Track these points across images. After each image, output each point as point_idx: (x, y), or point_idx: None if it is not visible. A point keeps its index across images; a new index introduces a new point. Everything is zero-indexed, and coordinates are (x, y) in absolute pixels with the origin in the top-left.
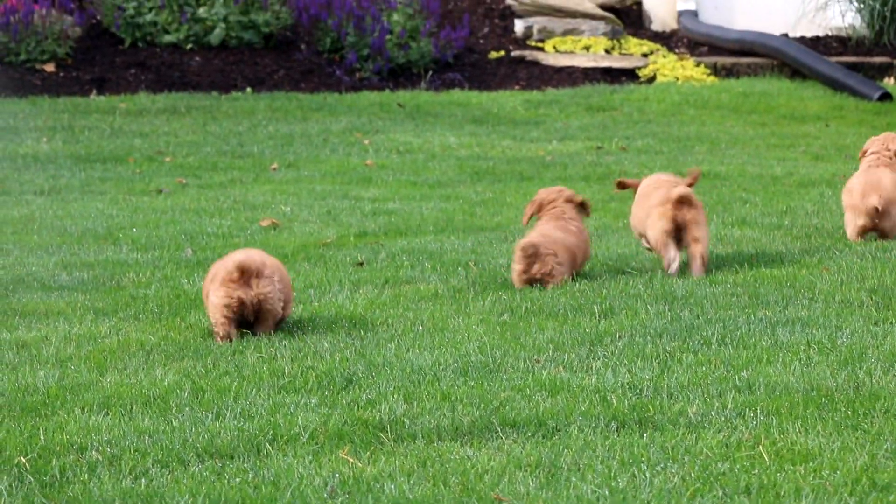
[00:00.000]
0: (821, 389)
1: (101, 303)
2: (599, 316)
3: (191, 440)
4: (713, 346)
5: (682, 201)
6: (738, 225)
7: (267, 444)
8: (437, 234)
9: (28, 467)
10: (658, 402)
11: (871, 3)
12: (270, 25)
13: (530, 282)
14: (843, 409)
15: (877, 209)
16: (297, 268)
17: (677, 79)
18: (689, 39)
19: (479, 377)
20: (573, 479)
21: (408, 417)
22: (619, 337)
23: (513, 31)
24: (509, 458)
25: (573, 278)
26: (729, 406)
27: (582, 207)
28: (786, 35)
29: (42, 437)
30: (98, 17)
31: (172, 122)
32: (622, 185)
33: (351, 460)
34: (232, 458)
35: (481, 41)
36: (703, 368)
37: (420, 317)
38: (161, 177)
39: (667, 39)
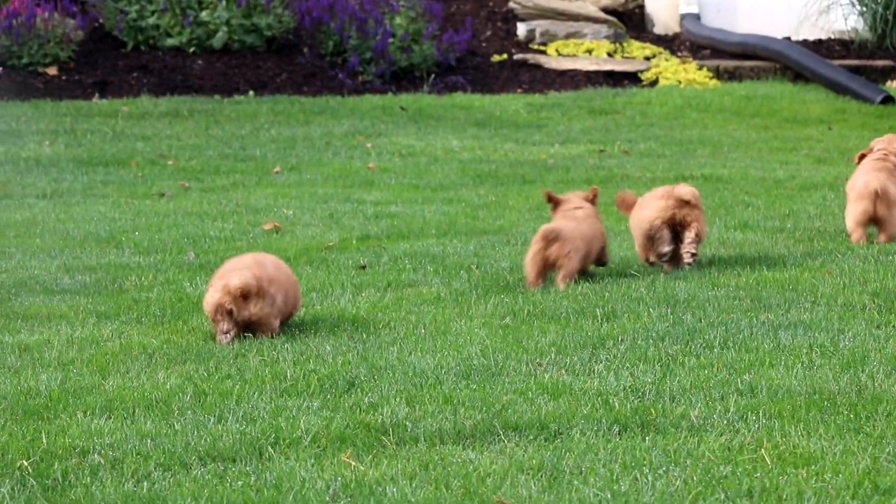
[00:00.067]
0: (823, 393)
1: (103, 306)
2: (602, 319)
3: (193, 443)
4: (715, 350)
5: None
6: (740, 228)
7: (269, 448)
8: (439, 238)
9: (30, 471)
10: (660, 406)
11: (873, 6)
12: (273, 29)
13: (543, 268)
14: (846, 412)
15: (877, 192)
16: (300, 271)
17: (680, 82)
18: (691, 43)
19: (482, 380)
20: (575, 482)
21: (410, 421)
22: (622, 340)
23: (515, 35)
24: (511, 462)
25: (581, 277)
26: (731, 409)
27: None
28: (788, 38)
29: (44, 441)
30: (100, 21)
31: (175, 126)
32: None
33: (353, 464)
34: (234, 461)
35: (484, 44)
36: (706, 372)
37: (422, 320)
38: (163, 180)
39: (669, 43)
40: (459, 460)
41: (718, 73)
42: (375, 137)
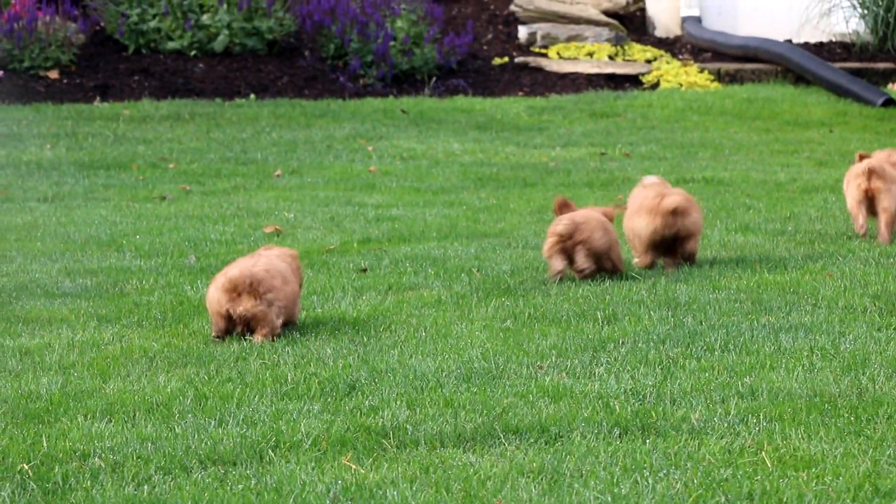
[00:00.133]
0: (824, 395)
1: (104, 310)
2: (602, 322)
3: (193, 447)
4: (716, 352)
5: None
6: (741, 231)
7: (269, 451)
8: (440, 241)
9: (31, 474)
10: (661, 409)
11: (874, 9)
12: (274, 32)
13: (564, 251)
14: (846, 415)
15: (872, 169)
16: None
17: (681, 85)
18: (692, 45)
19: (482, 383)
20: (576, 485)
21: (410, 424)
22: (622, 343)
23: (516, 38)
24: (512, 465)
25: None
26: (732, 412)
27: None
28: (789, 41)
29: (45, 444)
30: (102, 24)
31: (176, 129)
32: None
33: (353, 467)
34: (234, 464)
35: (485, 47)
36: (706, 374)
37: (423, 323)
38: (164, 183)
39: (670, 45)
40: (460, 463)
41: (720, 76)
42: (376, 140)
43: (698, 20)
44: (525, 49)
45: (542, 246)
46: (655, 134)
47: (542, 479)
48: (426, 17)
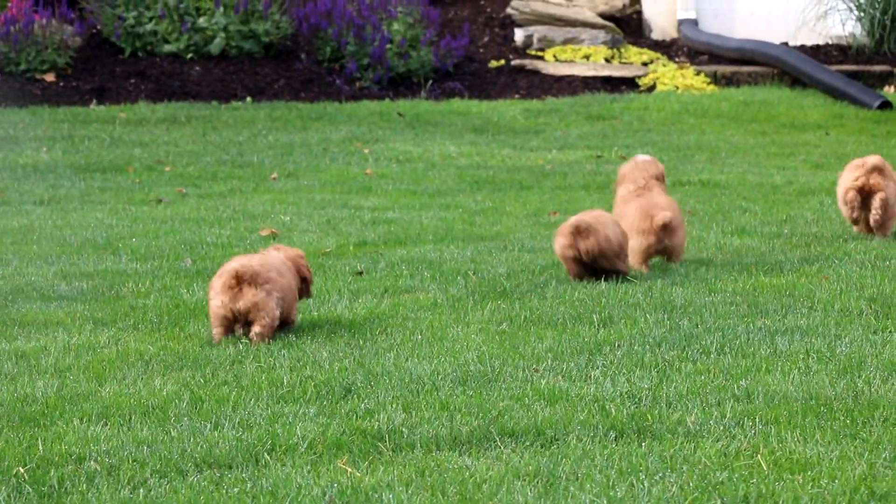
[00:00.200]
0: (819, 398)
1: (100, 313)
2: (598, 325)
3: (189, 450)
4: (712, 356)
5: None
6: (737, 234)
7: (265, 454)
8: (436, 244)
9: (26, 478)
10: (657, 412)
11: (871, 11)
12: (270, 35)
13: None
14: (842, 417)
15: (875, 165)
16: None
17: (677, 87)
18: (689, 48)
19: (478, 386)
20: (571, 488)
21: (406, 427)
22: (618, 346)
23: (513, 40)
24: (508, 468)
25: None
26: (727, 415)
27: None
28: (786, 44)
29: (40, 448)
30: (98, 27)
31: (172, 132)
32: None
33: (349, 470)
34: (230, 467)
35: (481, 50)
36: (702, 377)
37: (419, 326)
38: (161, 186)
39: (667, 48)
40: (456, 466)
41: (716, 79)
42: (373, 143)
43: (695, 23)
44: (521, 52)
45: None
46: (652, 137)
47: (537, 483)
48: (422, 19)
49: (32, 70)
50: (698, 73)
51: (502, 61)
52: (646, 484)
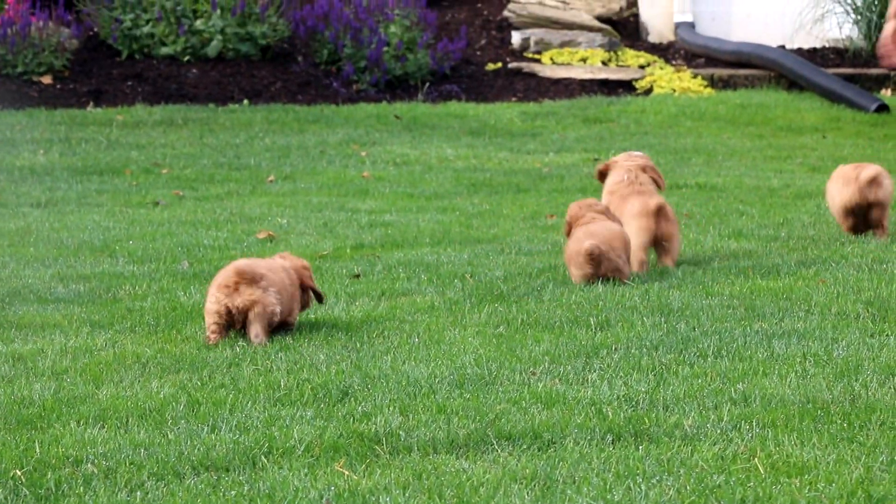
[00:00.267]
0: (816, 402)
1: (97, 315)
2: (595, 328)
3: (186, 453)
4: (709, 359)
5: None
6: (734, 237)
7: (262, 457)
8: (433, 247)
9: (23, 480)
10: (654, 415)
11: (868, 14)
12: (267, 37)
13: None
14: (839, 421)
15: (874, 177)
16: None
17: (674, 90)
18: (686, 51)
19: (475, 389)
20: (568, 491)
21: (403, 430)
22: (615, 349)
23: (510, 43)
24: (505, 471)
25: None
26: (725, 418)
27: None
28: (783, 47)
29: (37, 450)
30: (95, 30)
31: (169, 134)
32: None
33: (346, 473)
34: (227, 470)
35: (478, 53)
36: (699, 381)
37: (416, 329)
38: (158, 189)
39: (664, 51)
40: (453, 470)
41: (713, 82)
42: (370, 146)
43: (692, 26)
44: (518, 54)
45: (534, 252)
46: (649, 139)
47: (534, 486)
48: (419, 22)
49: (29, 72)
50: (695, 76)
51: (499, 64)
52: (643, 487)
